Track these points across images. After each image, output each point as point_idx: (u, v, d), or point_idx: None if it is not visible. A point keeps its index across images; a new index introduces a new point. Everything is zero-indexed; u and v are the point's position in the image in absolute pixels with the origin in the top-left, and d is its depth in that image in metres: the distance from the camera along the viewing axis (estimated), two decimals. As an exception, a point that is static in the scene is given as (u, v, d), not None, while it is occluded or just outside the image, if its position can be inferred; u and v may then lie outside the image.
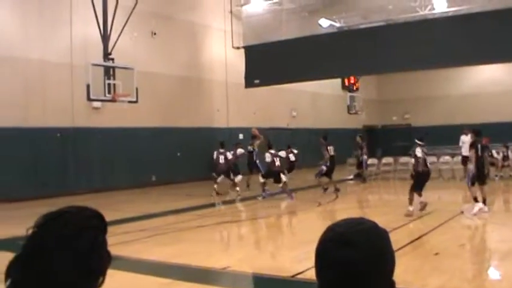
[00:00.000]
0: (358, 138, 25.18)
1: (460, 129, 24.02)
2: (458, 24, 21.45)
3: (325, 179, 19.76)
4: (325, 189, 19.48)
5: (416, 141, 14.75)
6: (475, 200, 13.93)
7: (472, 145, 14.45)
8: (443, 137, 32.96)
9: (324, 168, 19.63)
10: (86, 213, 1.69)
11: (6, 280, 1.57)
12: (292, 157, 20.98)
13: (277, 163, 18.63)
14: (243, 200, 18.83)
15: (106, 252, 1.68)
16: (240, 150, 20.70)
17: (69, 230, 1.59)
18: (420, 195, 14.47)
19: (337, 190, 19.24)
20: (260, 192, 18.62)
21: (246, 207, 17.63)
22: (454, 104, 39.96)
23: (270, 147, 19.38)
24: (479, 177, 14.08)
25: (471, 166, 14.18)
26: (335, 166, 19.92)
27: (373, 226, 1.53)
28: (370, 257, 1.44)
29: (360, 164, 24.91)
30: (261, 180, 18.95)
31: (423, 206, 14.21)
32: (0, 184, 18.78)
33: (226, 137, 25.32)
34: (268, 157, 18.82)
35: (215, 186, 19.62)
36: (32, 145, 19.93)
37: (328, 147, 19.73)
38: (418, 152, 14.30)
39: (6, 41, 19.50)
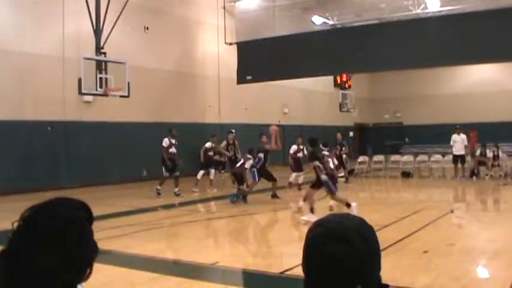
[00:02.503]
0: (338, 135, 23.37)
1: (452, 128, 24.12)
2: (451, 24, 21.53)
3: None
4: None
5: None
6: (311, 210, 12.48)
7: (314, 156, 12.82)
8: (435, 135, 33.17)
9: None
10: (72, 204, 1.67)
11: None
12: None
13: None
14: (228, 197, 18.75)
15: (93, 244, 1.66)
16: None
17: (55, 223, 1.57)
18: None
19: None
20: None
21: (235, 204, 17.57)
22: (446, 103, 40.13)
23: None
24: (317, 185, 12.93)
25: (325, 177, 12.48)
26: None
27: (363, 222, 1.54)
28: (363, 252, 1.45)
29: (341, 164, 22.58)
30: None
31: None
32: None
33: (217, 133, 25.28)
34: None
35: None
36: (23, 138, 19.86)
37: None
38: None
39: (-2, 33, 19.44)
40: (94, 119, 22.35)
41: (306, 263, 1.50)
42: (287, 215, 15.12)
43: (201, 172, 20.13)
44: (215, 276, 8.38)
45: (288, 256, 8.80)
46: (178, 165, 18.64)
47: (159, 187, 18.39)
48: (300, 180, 19.86)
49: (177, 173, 18.57)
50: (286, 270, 7.86)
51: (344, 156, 22.82)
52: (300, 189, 19.04)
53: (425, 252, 9.05)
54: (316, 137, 13.77)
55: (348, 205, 12.19)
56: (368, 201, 18.76)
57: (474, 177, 22.82)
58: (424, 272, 7.86)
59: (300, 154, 20.37)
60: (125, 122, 23.45)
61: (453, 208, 15.61)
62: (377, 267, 1.51)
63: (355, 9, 27.07)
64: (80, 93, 18.15)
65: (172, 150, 18.66)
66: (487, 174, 23.05)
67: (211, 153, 20.55)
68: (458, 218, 14.14)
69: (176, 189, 18.41)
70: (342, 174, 23.94)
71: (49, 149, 20.87)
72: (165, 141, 18.72)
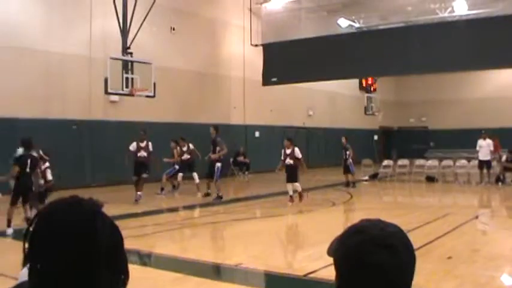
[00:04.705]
0: (343, 139, 22.29)
1: (477, 133, 23.88)
2: (478, 28, 21.31)
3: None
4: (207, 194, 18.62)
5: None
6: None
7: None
8: (460, 140, 32.85)
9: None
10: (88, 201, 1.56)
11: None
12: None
13: None
14: (252, 198, 18.79)
15: (114, 227, 1.44)
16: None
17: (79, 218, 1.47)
18: None
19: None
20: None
21: (260, 205, 17.57)
22: (472, 107, 39.70)
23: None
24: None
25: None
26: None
27: (400, 229, 1.52)
28: (407, 260, 1.45)
29: (346, 169, 22.08)
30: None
31: None
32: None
33: (242, 134, 25.39)
34: None
35: None
36: (50, 137, 20.00)
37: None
38: None
39: (27, 33, 19.62)
40: (119, 118, 22.50)
41: (346, 270, 1.46)
42: (310, 217, 15.08)
43: (195, 174, 20.07)
44: (238, 277, 8.38)
45: (311, 259, 8.77)
46: (149, 168, 18.20)
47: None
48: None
49: (144, 176, 17.85)
50: (310, 273, 7.84)
51: (350, 160, 21.88)
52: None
53: (450, 258, 8.98)
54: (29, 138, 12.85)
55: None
56: (392, 205, 18.67)
57: (500, 183, 22.56)
58: (448, 278, 7.80)
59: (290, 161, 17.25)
60: (150, 122, 23.51)
61: (478, 214, 15.45)
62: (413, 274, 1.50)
63: (382, 12, 26.95)
64: (106, 92, 18.27)
65: (142, 154, 18.01)
66: (512, 180, 22.80)
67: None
68: (483, 224, 13.99)
69: (138, 193, 17.44)
70: (366, 177, 23.83)
71: (74, 147, 21.02)
72: (133, 146, 18.17)
